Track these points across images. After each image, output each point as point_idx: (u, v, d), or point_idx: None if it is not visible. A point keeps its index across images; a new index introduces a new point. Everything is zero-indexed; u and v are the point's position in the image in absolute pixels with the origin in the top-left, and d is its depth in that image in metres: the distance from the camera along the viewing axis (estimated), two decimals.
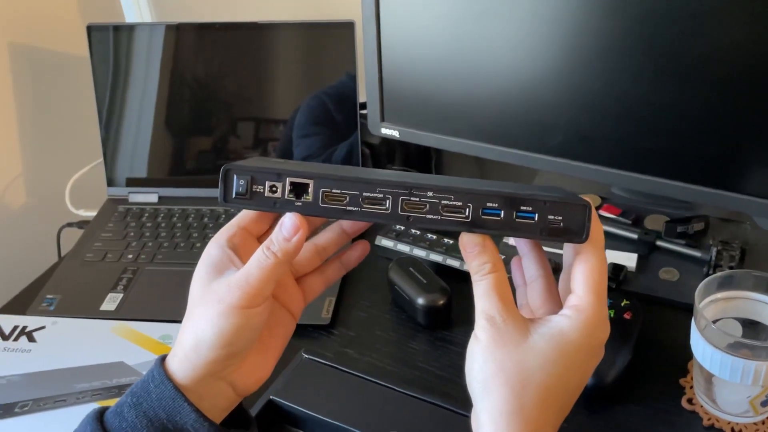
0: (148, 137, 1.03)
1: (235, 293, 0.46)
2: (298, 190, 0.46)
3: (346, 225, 0.53)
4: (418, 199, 0.45)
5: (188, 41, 1.01)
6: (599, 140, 0.76)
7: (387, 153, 1.05)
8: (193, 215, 0.99)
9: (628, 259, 0.82)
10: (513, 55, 0.77)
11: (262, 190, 0.46)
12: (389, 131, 0.91)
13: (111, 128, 1.03)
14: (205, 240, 0.94)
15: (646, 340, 0.72)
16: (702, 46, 0.67)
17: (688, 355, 0.67)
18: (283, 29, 1.01)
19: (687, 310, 0.74)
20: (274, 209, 0.47)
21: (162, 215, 1.00)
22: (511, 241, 0.88)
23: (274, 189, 0.46)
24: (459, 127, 0.85)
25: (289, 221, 0.46)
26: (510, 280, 0.52)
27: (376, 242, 0.88)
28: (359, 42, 0.96)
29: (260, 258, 0.46)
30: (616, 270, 0.80)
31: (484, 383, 0.44)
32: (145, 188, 1.04)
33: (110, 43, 1.01)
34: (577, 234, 0.45)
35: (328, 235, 0.53)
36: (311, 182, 0.46)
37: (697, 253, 0.82)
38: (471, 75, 0.81)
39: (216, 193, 1.04)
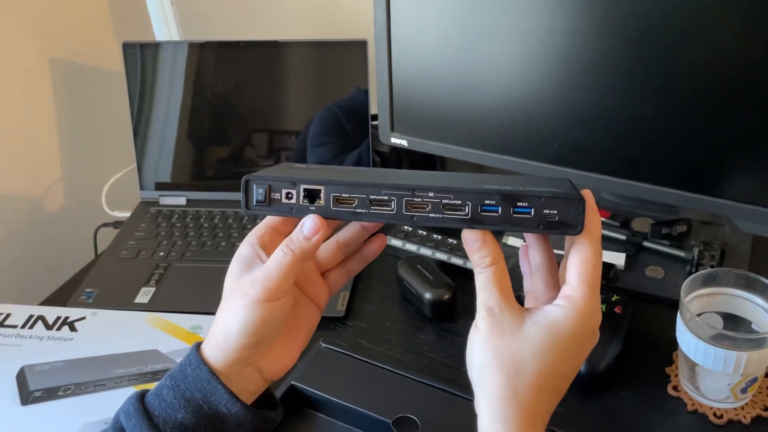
0: (176, 146, 1.04)
1: (257, 288, 0.46)
2: (312, 195, 0.47)
3: (365, 222, 0.53)
4: (420, 200, 0.45)
5: (211, 58, 1.02)
6: (591, 149, 0.76)
7: (395, 160, 1.05)
8: (218, 216, 1.00)
9: (618, 258, 0.82)
10: (513, 71, 0.78)
11: (279, 197, 0.47)
12: (398, 140, 0.91)
13: (143, 137, 1.04)
14: (230, 239, 0.94)
15: (634, 333, 0.73)
16: (681, 63, 0.67)
17: (674, 346, 0.67)
18: (300, 47, 1.01)
19: (672, 305, 0.75)
20: (291, 214, 0.47)
21: (190, 216, 1.00)
22: (510, 240, 0.88)
23: (290, 196, 0.47)
24: (462, 137, 0.85)
25: (310, 222, 0.47)
26: (516, 268, 0.52)
27: (386, 242, 0.88)
28: (371, 59, 0.96)
29: (279, 255, 0.47)
30: (606, 268, 0.80)
31: (482, 370, 0.44)
32: (174, 192, 1.04)
33: (139, 59, 1.01)
34: (573, 226, 0.44)
35: (348, 232, 0.54)
36: (323, 188, 0.47)
37: (680, 253, 0.82)
38: (474, 89, 0.81)
39: (239, 196, 1.05)
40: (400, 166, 1.06)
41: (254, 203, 0.47)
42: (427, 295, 0.77)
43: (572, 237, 0.45)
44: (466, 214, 0.45)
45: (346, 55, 1.00)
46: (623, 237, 0.85)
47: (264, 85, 1.03)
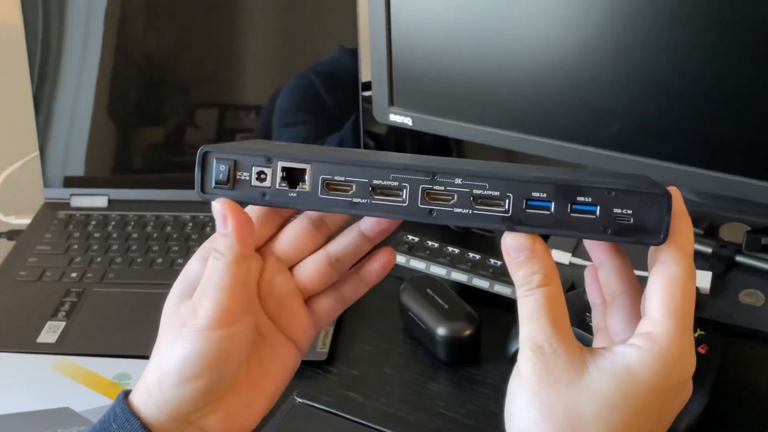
0: (93, 126, 1.04)
1: (198, 311, 0.47)
2: (293, 177, 0.47)
3: (366, 227, 0.52)
4: (443, 188, 0.45)
5: (141, 6, 1.02)
6: (665, 130, 0.76)
7: (396, 144, 1.05)
8: (152, 223, 0.99)
9: (701, 279, 0.82)
10: (556, 22, 0.78)
11: (247, 178, 0.47)
12: (399, 118, 0.91)
13: (47, 115, 1.03)
14: (168, 254, 0.94)
15: (725, 380, 0.72)
16: None
17: None
18: None
19: None
20: (263, 202, 0.47)
21: (113, 223, 1.00)
22: (553, 254, 0.88)
23: (262, 176, 0.47)
24: (486, 113, 0.85)
25: (215, 210, 0.47)
26: (575, 296, 0.51)
27: (395, 258, 0.88)
28: (362, 5, 0.96)
29: (210, 264, 0.47)
30: None
31: None
32: (92, 189, 1.04)
33: (41, 7, 1.01)
34: (653, 233, 0.44)
35: (343, 242, 0.53)
36: (308, 167, 0.46)
37: None
38: (503, 47, 0.81)
39: (181, 195, 1.05)
40: (401, 152, 1.06)
41: (213, 184, 0.47)
42: (441, 331, 0.77)
43: (655, 251, 0.45)
44: (506, 211, 0.45)
45: (326, 1, 1.00)
46: (708, 250, 0.85)
47: (213, 43, 1.02)
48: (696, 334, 0.73)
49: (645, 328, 0.44)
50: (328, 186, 0.46)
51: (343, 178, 0.46)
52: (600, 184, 0.44)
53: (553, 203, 0.44)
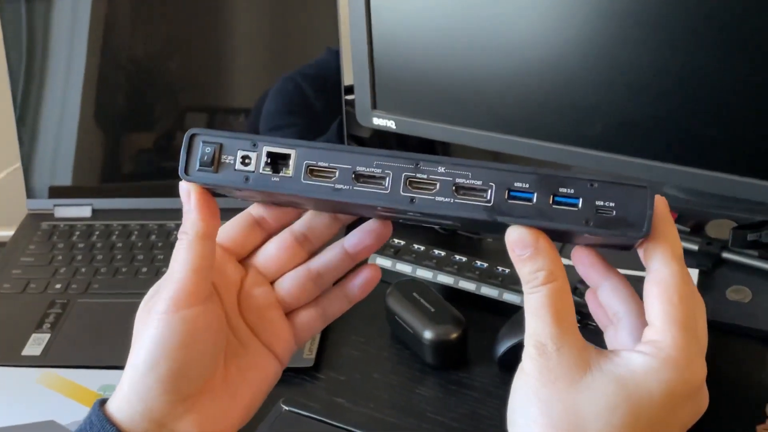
0: (79, 134, 1.04)
1: (162, 296, 0.48)
2: (277, 162, 0.47)
3: (349, 244, 0.53)
4: (425, 176, 0.46)
5: (127, 10, 1.02)
6: (650, 128, 0.77)
7: (380, 147, 1.05)
8: (136, 232, 1.00)
9: None
10: (539, 22, 0.78)
11: (232, 161, 0.48)
12: (383, 121, 0.91)
13: (31, 125, 1.03)
14: (153, 263, 0.94)
15: (713, 378, 0.72)
16: None
17: (767, 395, 0.67)
18: None
19: (763, 339, 0.75)
20: (246, 186, 0.48)
21: (97, 233, 1.00)
22: None
23: (246, 160, 0.48)
24: (470, 115, 0.85)
25: (180, 189, 0.48)
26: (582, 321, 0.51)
27: (369, 260, 0.88)
28: (343, 8, 0.96)
29: (176, 247, 0.48)
30: None
31: (525, 429, 0.44)
32: (75, 199, 1.04)
33: (24, 15, 1.01)
34: (635, 226, 0.44)
35: (325, 258, 0.54)
36: (293, 152, 0.47)
37: None
38: (486, 48, 0.81)
39: (165, 203, 1.05)
40: None
41: (197, 166, 0.48)
42: (428, 334, 0.77)
43: (646, 258, 0.45)
44: (488, 201, 0.45)
45: (311, 2, 1.00)
46: (694, 247, 0.85)
47: (200, 47, 1.03)
48: None
49: (650, 337, 0.44)
50: (312, 172, 0.47)
51: (326, 164, 0.47)
52: (583, 176, 0.44)
53: (535, 194, 0.45)
